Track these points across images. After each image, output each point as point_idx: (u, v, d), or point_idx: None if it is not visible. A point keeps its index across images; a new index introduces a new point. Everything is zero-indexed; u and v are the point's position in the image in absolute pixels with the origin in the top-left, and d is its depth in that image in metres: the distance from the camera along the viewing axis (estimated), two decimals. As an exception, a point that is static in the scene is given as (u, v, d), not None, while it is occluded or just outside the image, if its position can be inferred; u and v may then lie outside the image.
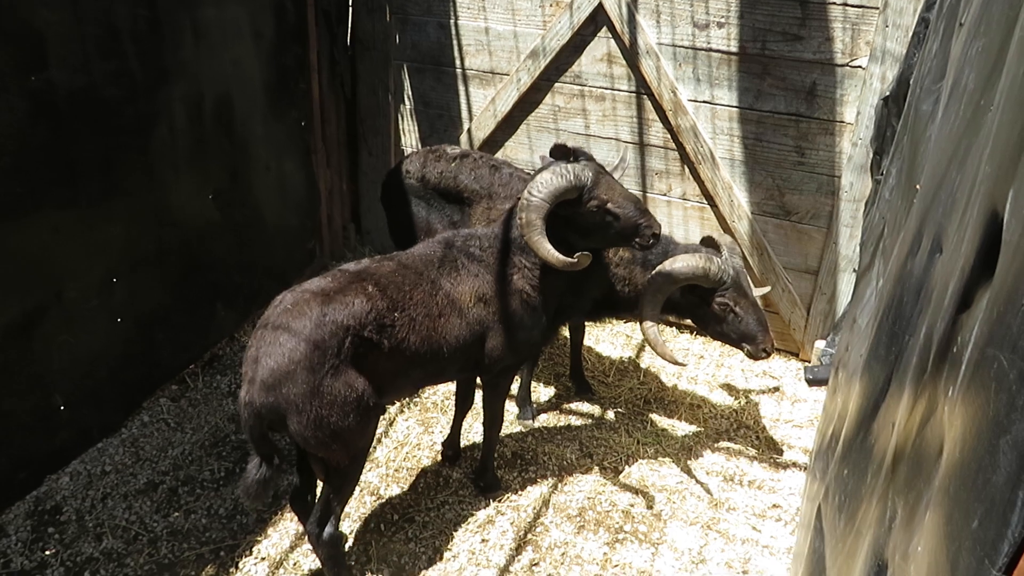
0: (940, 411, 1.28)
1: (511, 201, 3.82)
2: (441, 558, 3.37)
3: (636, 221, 3.15)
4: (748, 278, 3.61)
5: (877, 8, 3.88)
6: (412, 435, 4.07)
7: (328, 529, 2.97)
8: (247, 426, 2.72)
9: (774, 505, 3.71)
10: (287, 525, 3.50)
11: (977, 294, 1.22)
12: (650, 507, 3.68)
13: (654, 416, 4.28)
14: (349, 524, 3.51)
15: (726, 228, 4.65)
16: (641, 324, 3.53)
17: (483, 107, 5.02)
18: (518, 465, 3.92)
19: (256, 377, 2.67)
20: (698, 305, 3.59)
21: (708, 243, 3.76)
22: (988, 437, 0.98)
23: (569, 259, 3.06)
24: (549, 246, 3.04)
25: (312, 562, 3.31)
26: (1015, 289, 0.99)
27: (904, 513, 1.40)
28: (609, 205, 3.11)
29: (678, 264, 3.41)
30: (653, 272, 3.48)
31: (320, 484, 3.04)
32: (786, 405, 4.44)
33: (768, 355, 3.60)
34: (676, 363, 3.52)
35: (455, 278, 3.15)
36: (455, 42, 4.96)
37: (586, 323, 4.41)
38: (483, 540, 3.47)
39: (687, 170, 4.65)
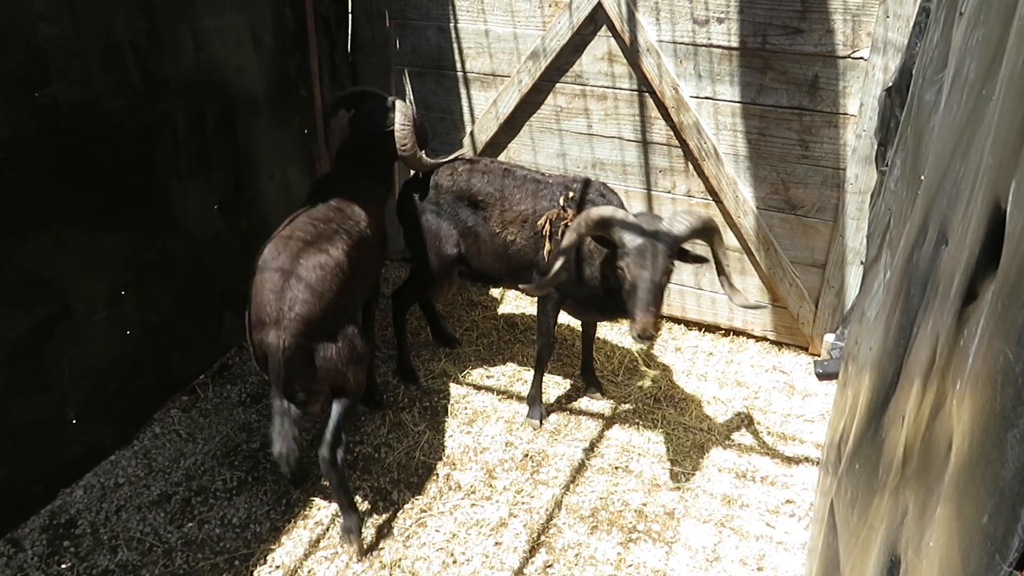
0: (948, 405, 1.27)
1: (526, 203, 3.94)
2: (455, 562, 3.37)
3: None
4: (664, 258, 3.29)
5: (877, -2, 3.86)
6: (423, 440, 4.08)
7: (340, 453, 3.31)
8: (279, 366, 3.12)
9: (787, 501, 3.69)
10: (300, 533, 3.51)
11: (982, 286, 1.21)
12: (663, 506, 3.67)
13: (664, 414, 4.27)
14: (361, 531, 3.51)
15: (732, 224, 4.63)
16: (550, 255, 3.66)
17: (485, 109, 5.02)
18: (529, 466, 3.92)
19: (285, 323, 3.11)
20: (606, 262, 3.54)
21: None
22: (996, 431, 0.98)
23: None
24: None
25: (326, 570, 3.31)
26: (1019, 282, 0.98)
27: (916, 508, 1.39)
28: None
29: (595, 210, 3.37)
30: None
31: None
32: (797, 400, 4.42)
33: (643, 340, 3.30)
34: (551, 282, 3.54)
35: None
36: (455, 45, 4.96)
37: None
38: (496, 543, 3.47)
39: (691, 167, 4.64)
